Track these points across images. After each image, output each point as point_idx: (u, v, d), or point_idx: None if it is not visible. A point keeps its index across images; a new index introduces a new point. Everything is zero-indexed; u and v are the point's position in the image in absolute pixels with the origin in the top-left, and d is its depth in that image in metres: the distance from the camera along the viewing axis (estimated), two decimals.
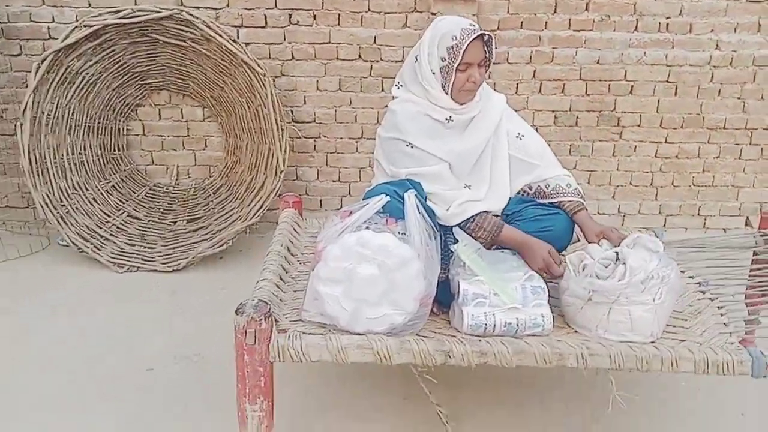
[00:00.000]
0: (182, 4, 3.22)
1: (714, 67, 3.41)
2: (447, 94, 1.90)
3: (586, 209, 2.02)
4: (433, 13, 3.16)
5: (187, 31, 3.12)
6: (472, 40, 1.82)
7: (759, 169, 3.57)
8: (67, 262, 3.18)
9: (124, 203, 3.37)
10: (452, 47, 1.83)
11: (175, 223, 3.38)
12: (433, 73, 1.88)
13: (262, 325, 1.58)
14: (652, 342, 1.70)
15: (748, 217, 3.62)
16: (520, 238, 1.88)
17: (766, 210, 2.43)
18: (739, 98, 3.46)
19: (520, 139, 2.04)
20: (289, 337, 1.64)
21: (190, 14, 3.05)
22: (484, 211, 1.89)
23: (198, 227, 3.34)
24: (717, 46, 3.37)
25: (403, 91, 1.97)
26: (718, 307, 1.90)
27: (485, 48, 1.88)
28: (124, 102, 3.38)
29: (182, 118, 3.48)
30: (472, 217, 1.88)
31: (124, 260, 3.14)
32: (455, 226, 1.88)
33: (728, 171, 3.58)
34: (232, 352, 1.60)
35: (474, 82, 1.87)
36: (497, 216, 1.94)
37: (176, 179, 3.55)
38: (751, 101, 3.46)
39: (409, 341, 1.62)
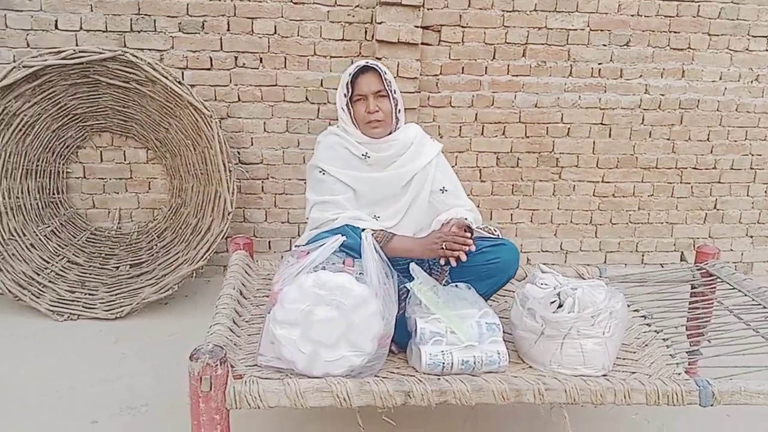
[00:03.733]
0: (125, 46, 3.19)
1: (644, 110, 3.60)
2: (356, 127, 2.06)
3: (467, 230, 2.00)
4: (377, 58, 3.24)
5: (131, 73, 3.08)
6: (358, 70, 2.02)
7: (690, 207, 3.77)
8: (3, 312, 3.03)
9: (63, 248, 3.25)
10: (347, 83, 2.03)
11: (117, 268, 3.27)
12: (343, 110, 2.06)
13: (217, 371, 1.54)
14: (604, 375, 1.74)
15: (683, 252, 3.80)
16: (411, 242, 1.95)
17: (701, 245, 2.55)
18: (668, 139, 3.65)
19: (443, 192, 2.13)
20: (245, 382, 1.60)
21: (134, 56, 3.02)
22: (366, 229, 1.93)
23: (142, 272, 3.24)
24: (646, 90, 3.57)
25: (335, 128, 2.13)
26: (663, 339, 1.97)
27: (383, 81, 2.02)
28: (64, 144, 3.29)
29: (125, 160, 3.41)
30: None
31: (64, 308, 3.02)
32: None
33: (662, 208, 3.75)
34: (182, 400, 1.55)
35: (370, 112, 2.01)
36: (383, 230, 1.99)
37: (118, 223, 3.46)
38: (679, 142, 3.66)
39: (369, 383, 1.61)
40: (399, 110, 2.09)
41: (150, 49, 3.23)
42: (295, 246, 2.06)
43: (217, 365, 1.53)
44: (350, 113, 2.05)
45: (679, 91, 3.59)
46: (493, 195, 3.63)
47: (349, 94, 2.04)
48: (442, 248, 1.84)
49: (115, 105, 3.24)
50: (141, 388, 2.44)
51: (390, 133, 2.09)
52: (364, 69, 2.02)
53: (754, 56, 3.58)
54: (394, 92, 2.06)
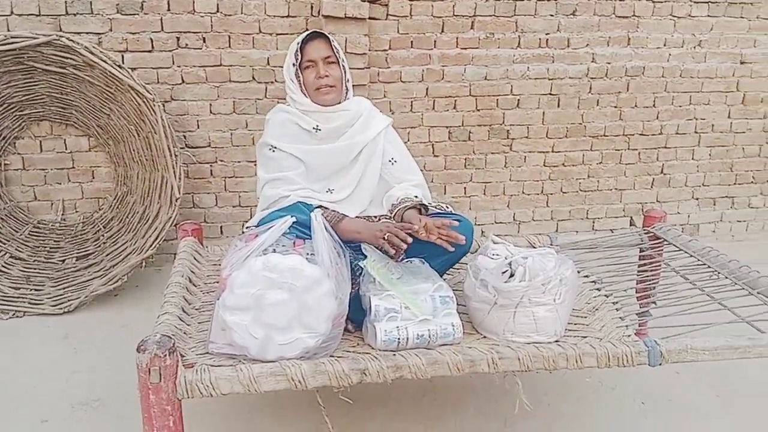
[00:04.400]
0: (61, 30, 3.05)
1: (591, 78, 3.63)
2: (306, 96, 2.03)
3: (420, 209, 2.01)
4: None
5: (67, 58, 2.96)
6: (307, 37, 2.01)
7: (638, 172, 3.84)
8: None
9: (5, 244, 3.13)
10: (296, 51, 2.02)
11: (63, 261, 3.17)
12: (292, 81, 2.04)
13: (166, 362, 1.49)
14: (557, 341, 1.76)
15: (632, 217, 3.88)
16: (360, 225, 1.93)
17: (648, 209, 2.60)
18: (615, 107, 3.70)
19: (392, 164, 2.13)
20: (196, 371, 1.56)
21: (70, 39, 2.90)
22: (320, 206, 1.92)
23: (89, 264, 3.15)
24: (593, 59, 3.60)
25: (283, 105, 2.10)
26: (613, 303, 2.00)
27: (332, 48, 2.02)
28: (0, 135, 3.15)
29: (66, 149, 3.29)
30: None
31: (9, 305, 2.92)
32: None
33: (611, 175, 3.82)
34: (137, 393, 1.51)
35: (321, 77, 1.99)
36: (334, 211, 1.97)
37: (62, 214, 3.34)
38: (626, 109, 3.71)
39: (324, 363, 1.59)
40: (348, 80, 2.08)
41: (87, 33, 3.10)
42: (246, 227, 2.03)
43: (165, 355, 1.49)
44: (300, 82, 2.03)
45: (625, 58, 3.63)
46: (446, 169, 3.63)
47: (298, 62, 2.02)
48: (384, 239, 1.83)
49: (52, 92, 3.12)
50: (94, 383, 2.38)
51: (339, 103, 2.07)
52: (313, 36, 2.02)
53: (696, 22, 3.64)
54: (343, 60, 2.05)
